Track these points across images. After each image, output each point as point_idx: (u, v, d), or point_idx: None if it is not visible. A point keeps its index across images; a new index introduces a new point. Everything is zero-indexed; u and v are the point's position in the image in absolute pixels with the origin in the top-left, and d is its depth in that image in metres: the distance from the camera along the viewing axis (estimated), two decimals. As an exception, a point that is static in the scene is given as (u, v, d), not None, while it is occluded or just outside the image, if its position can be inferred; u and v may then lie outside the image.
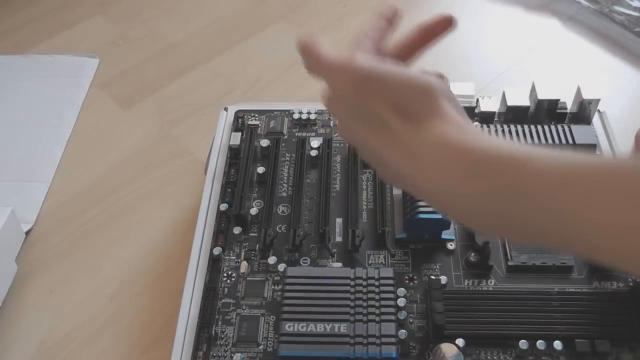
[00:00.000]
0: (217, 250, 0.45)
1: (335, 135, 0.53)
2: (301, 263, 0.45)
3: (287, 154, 0.52)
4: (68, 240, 0.55)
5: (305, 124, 0.54)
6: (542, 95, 0.51)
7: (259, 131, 0.53)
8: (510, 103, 0.52)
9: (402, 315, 0.41)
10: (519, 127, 0.50)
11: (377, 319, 0.39)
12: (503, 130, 0.50)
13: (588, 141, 0.49)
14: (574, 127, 0.50)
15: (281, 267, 0.44)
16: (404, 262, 0.44)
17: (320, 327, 0.39)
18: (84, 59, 0.72)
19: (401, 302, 0.41)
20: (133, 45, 0.74)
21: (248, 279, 0.44)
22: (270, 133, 0.53)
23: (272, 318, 0.42)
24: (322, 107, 0.54)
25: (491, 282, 0.43)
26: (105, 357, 0.47)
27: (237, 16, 0.77)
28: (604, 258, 0.27)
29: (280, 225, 0.47)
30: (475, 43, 0.72)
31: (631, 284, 0.42)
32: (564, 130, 0.49)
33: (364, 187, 0.49)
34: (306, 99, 0.55)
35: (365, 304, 0.40)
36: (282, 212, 0.48)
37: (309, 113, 0.54)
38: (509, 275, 0.43)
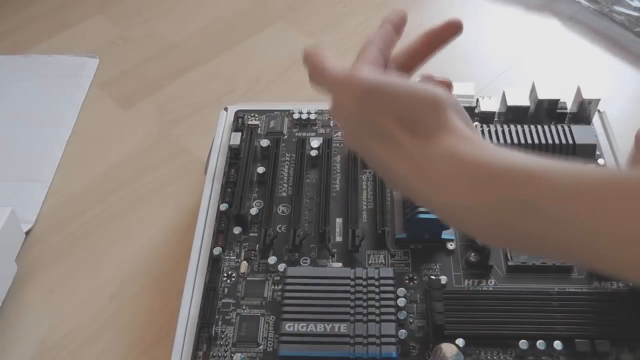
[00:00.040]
0: (217, 250, 0.45)
1: (336, 135, 0.53)
2: (301, 263, 0.45)
3: (287, 154, 0.52)
4: (68, 240, 0.55)
5: (305, 124, 0.54)
6: (542, 95, 0.51)
7: (259, 131, 0.53)
8: (510, 103, 0.52)
9: (402, 315, 0.41)
10: (519, 127, 0.50)
11: (377, 319, 0.39)
12: (503, 130, 0.50)
13: (588, 141, 0.49)
14: (574, 127, 0.50)
15: (281, 267, 0.44)
16: (404, 262, 0.44)
17: (320, 327, 0.39)
18: (84, 59, 0.72)
19: (401, 302, 0.41)
20: (133, 45, 0.74)
21: (248, 279, 0.44)
22: (270, 133, 0.53)
23: (272, 318, 0.42)
24: (322, 107, 0.54)
25: (491, 282, 0.43)
26: (105, 357, 0.47)
27: (237, 16, 0.77)
28: (611, 267, 0.27)
29: (280, 225, 0.47)
30: (475, 43, 0.72)
31: (631, 284, 0.42)
32: (564, 130, 0.49)
33: (364, 187, 0.49)
34: (306, 99, 0.55)
35: (365, 304, 0.40)
36: (282, 212, 0.48)
37: (309, 113, 0.54)
38: (509, 275, 0.43)
